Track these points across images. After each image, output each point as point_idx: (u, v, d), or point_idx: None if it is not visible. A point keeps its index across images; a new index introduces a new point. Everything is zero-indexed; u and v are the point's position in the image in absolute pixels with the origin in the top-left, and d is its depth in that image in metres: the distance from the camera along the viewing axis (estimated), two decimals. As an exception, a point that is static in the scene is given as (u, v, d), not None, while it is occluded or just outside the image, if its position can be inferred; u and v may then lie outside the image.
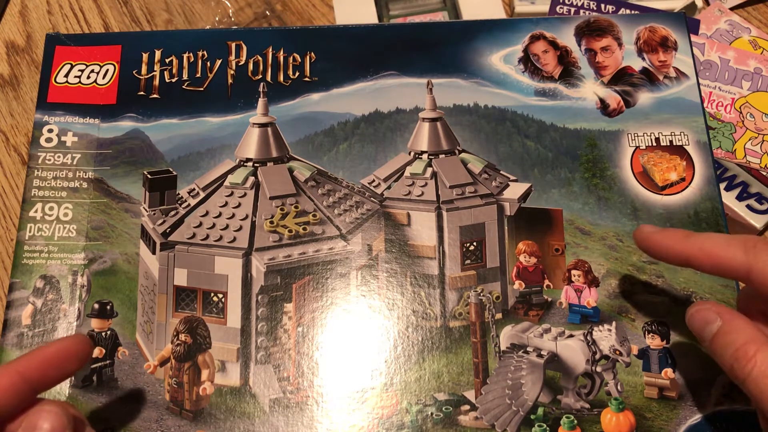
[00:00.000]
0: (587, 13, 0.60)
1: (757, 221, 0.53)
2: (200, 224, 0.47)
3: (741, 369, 0.34)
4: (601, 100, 0.52)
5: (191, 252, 0.47)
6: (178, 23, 0.65)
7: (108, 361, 0.46)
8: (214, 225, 0.47)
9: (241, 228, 0.47)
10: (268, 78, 0.52)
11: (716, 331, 0.36)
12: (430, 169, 0.50)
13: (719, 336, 0.36)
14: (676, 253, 0.39)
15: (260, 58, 0.53)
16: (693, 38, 0.56)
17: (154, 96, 0.52)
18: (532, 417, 0.43)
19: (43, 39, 0.54)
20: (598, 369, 0.44)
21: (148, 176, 0.49)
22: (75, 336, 0.38)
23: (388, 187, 0.49)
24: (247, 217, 0.47)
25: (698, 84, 0.52)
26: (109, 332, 0.46)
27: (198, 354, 0.45)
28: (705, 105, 0.55)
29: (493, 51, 0.53)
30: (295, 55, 0.53)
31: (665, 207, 0.49)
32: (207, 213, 0.48)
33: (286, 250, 0.47)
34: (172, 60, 0.53)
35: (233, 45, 0.53)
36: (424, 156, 0.50)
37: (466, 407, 0.44)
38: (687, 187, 0.49)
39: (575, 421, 0.43)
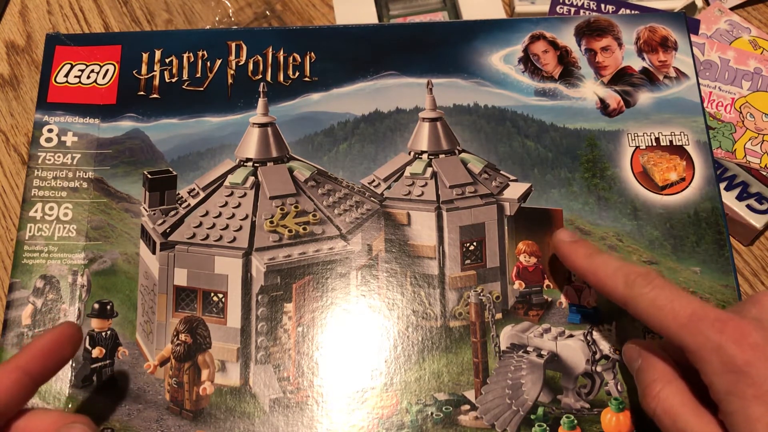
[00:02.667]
0: (587, 13, 0.60)
1: (757, 221, 0.53)
2: (200, 224, 0.47)
3: (648, 405, 0.38)
4: (601, 100, 0.52)
5: (191, 252, 0.47)
6: (178, 23, 0.65)
7: (108, 361, 0.46)
8: (214, 225, 0.47)
9: (241, 228, 0.47)
10: (268, 78, 0.52)
11: (637, 368, 0.40)
12: (430, 169, 0.50)
13: (639, 372, 0.40)
14: (576, 269, 0.42)
15: (260, 58, 0.53)
16: (693, 38, 0.56)
17: (154, 96, 0.52)
18: (532, 417, 0.43)
19: (43, 39, 0.54)
20: (598, 369, 0.44)
21: (148, 176, 0.49)
22: (65, 323, 0.39)
23: (388, 187, 0.49)
24: (247, 217, 0.47)
25: (698, 84, 0.52)
26: (109, 332, 0.46)
27: (198, 354, 0.45)
28: (705, 105, 0.55)
29: (493, 51, 0.53)
30: (295, 55, 0.53)
31: (665, 207, 0.49)
32: (207, 213, 0.48)
33: (286, 250, 0.47)
34: (172, 60, 0.53)
35: (233, 45, 0.53)
36: (424, 156, 0.50)
37: (466, 407, 0.44)
38: (687, 187, 0.49)
39: (575, 421, 0.43)
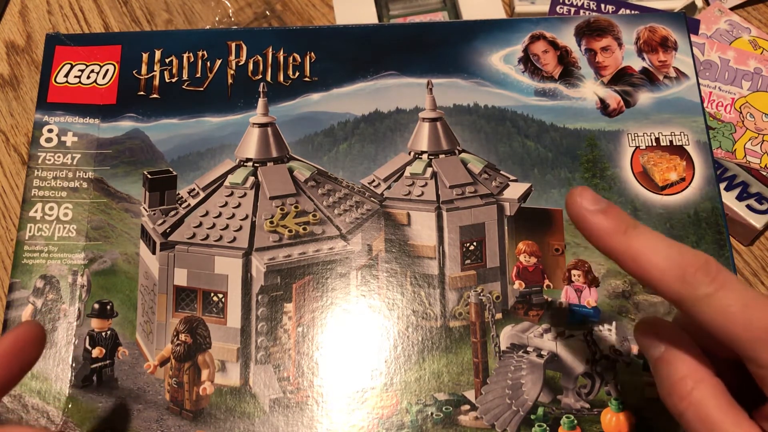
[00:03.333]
0: (587, 13, 0.60)
1: (757, 221, 0.53)
2: (200, 224, 0.47)
3: (675, 406, 0.31)
4: (601, 100, 0.52)
5: (191, 252, 0.47)
6: (178, 23, 0.65)
7: (108, 361, 0.46)
8: (214, 225, 0.47)
9: (241, 228, 0.47)
10: (268, 78, 0.52)
11: (658, 356, 0.33)
12: (430, 169, 0.50)
13: (661, 363, 0.33)
14: (607, 250, 0.32)
15: (260, 58, 0.53)
16: (693, 38, 0.56)
17: (154, 96, 0.52)
18: (532, 417, 0.43)
19: (43, 39, 0.54)
20: (598, 369, 0.44)
21: (148, 176, 0.49)
22: (25, 323, 0.35)
23: (388, 187, 0.49)
24: (247, 217, 0.47)
25: (698, 84, 0.52)
26: (109, 332, 0.46)
27: (198, 354, 0.45)
28: (705, 105, 0.55)
29: (493, 51, 0.53)
30: (295, 55, 0.53)
31: (665, 207, 0.49)
32: (207, 213, 0.48)
33: (286, 250, 0.47)
34: (172, 60, 0.53)
35: (233, 45, 0.53)
36: (424, 156, 0.50)
37: (466, 407, 0.44)
38: (687, 187, 0.49)
39: (575, 421, 0.43)
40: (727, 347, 0.30)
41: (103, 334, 0.46)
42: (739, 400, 0.30)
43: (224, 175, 0.49)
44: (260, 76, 0.52)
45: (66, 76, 0.53)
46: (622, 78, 0.52)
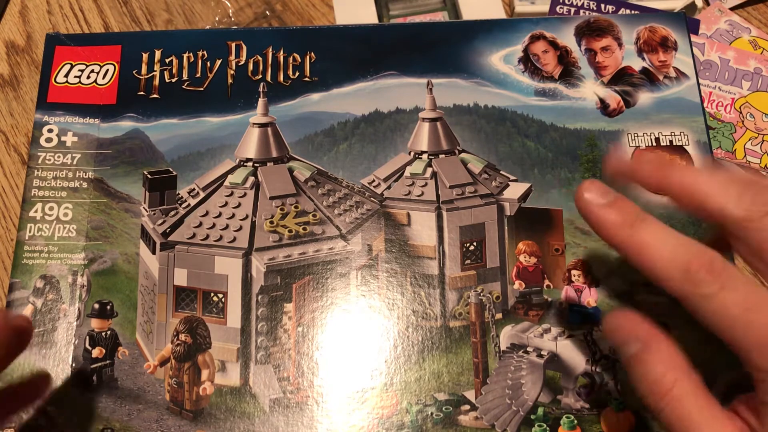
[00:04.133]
0: (587, 13, 0.60)
1: (757, 221, 0.52)
2: (200, 224, 0.47)
3: (655, 404, 0.30)
4: (601, 100, 0.52)
5: (191, 252, 0.47)
6: (178, 23, 0.65)
7: (108, 361, 0.46)
8: (214, 225, 0.47)
9: (241, 228, 0.47)
10: (268, 78, 0.52)
11: (633, 353, 0.31)
12: (430, 169, 0.50)
13: (637, 360, 0.31)
14: (614, 244, 0.32)
15: (260, 58, 0.53)
16: (693, 38, 0.56)
17: (154, 96, 0.52)
18: (532, 417, 0.43)
19: (43, 39, 0.54)
20: (598, 369, 0.44)
21: (148, 176, 0.49)
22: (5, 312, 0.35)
23: (388, 187, 0.49)
24: (247, 217, 0.47)
25: (698, 84, 0.52)
26: (109, 332, 0.46)
27: (198, 354, 0.45)
28: (705, 105, 0.55)
29: (493, 51, 0.53)
30: (295, 55, 0.53)
31: (665, 207, 0.49)
32: (207, 213, 0.48)
33: (286, 250, 0.47)
34: (172, 60, 0.53)
35: (233, 45, 0.53)
36: (424, 156, 0.50)
37: (466, 407, 0.44)
38: (687, 187, 0.49)
39: (575, 421, 0.43)
40: (728, 347, 0.29)
41: (103, 334, 0.46)
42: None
43: (224, 175, 0.49)
44: (260, 76, 0.52)
45: (66, 76, 0.53)
46: (622, 78, 0.52)
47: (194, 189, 0.49)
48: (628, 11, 0.59)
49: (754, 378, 0.29)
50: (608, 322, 0.33)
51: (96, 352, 0.46)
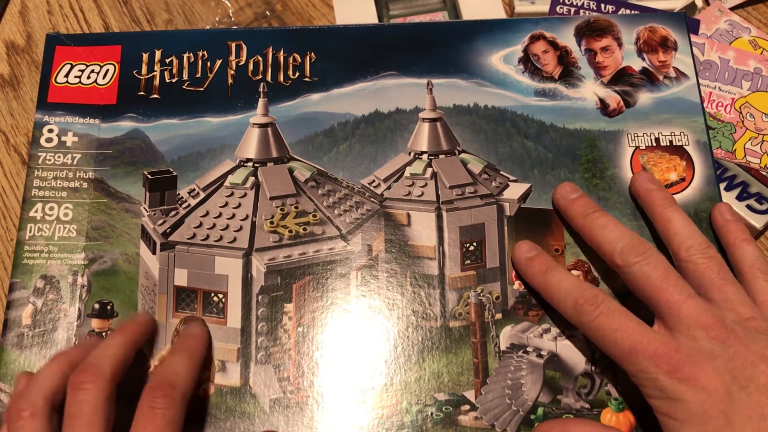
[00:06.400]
0: (587, 13, 0.60)
1: (757, 221, 0.53)
2: (200, 224, 0.47)
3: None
4: (601, 100, 0.52)
5: (191, 252, 0.47)
6: (178, 23, 0.65)
7: (108, 361, 0.46)
8: (214, 225, 0.47)
9: (241, 228, 0.47)
10: (268, 78, 0.52)
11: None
12: (430, 170, 0.50)
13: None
14: (533, 285, 0.45)
15: (260, 58, 0.53)
16: (693, 38, 0.56)
17: (155, 96, 0.52)
18: (532, 417, 0.43)
19: (43, 39, 0.54)
20: (598, 369, 0.44)
21: (148, 176, 0.49)
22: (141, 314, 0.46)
23: (388, 188, 0.49)
24: (247, 217, 0.48)
25: (698, 84, 0.52)
26: (109, 332, 0.46)
27: (198, 354, 0.45)
28: (705, 105, 0.55)
29: (493, 51, 0.53)
30: (295, 55, 0.53)
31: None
32: (207, 213, 0.48)
33: (286, 250, 0.47)
34: (172, 60, 0.53)
35: (233, 45, 0.53)
36: (424, 156, 0.51)
37: (466, 407, 0.44)
38: (687, 187, 0.49)
39: (575, 421, 0.43)
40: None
41: (104, 334, 0.46)
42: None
43: (224, 176, 0.49)
44: (260, 77, 0.52)
45: (66, 76, 0.53)
46: (622, 78, 0.52)
47: (194, 189, 0.49)
48: (628, 11, 0.59)
49: (635, 383, 0.39)
50: None
51: (96, 352, 0.46)
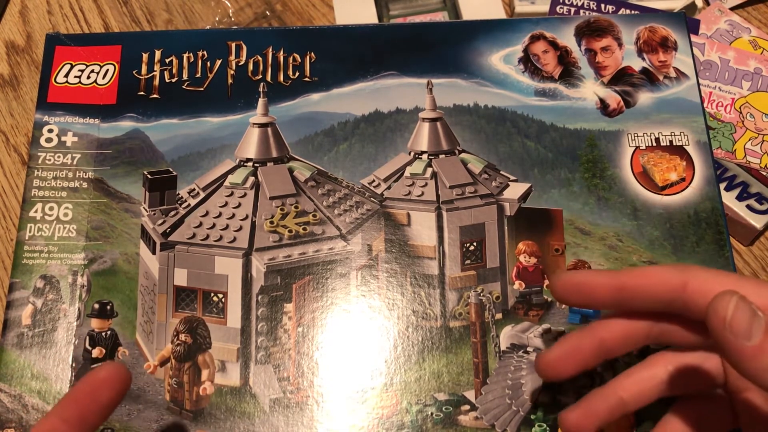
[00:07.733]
0: (587, 13, 0.60)
1: (757, 221, 0.53)
2: (200, 224, 0.47)
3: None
4: (601, 100, 0.52)
5: (191, 252, 0.47)
6: (178, 23, 0.65)
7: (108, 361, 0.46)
8: (214, 225, 0.47)
9: (241, 228, 0.47)
10: (268, 78, 0.52)
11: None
12: (430, 169, 0.50)
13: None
14: (607, 288, 0.34)
15: (260, 58, 0.53)
16: (693, 38, 0.56)
17: (154, 96, 0.52)
18: (532, 417, 0.43)
19: (43, 39, 0.54)
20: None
21: (148, 176, 0.49)
22: (104, 364, 0.35)
23: (388, 187, 0.49)
24: (247, 217, 0.47)
25: (698, 84, 0.52)
26: (109, 332, 0.46)
27: (198, 354, 0.45)
28: (705, 105, 0.55)
29: (493, 51, 0.53)
30: (295, 55, 0.53)
31: (665, 207, 0.49)
32: (207, 213, 0.48)
33: (286, 250, 0.47)
34: (172, 60, 0.53)
35: (233, 45, 0.53)
36: (424, 156, 0.50)
37: (466, 407, 0.44)
38: (687, 187, 0.49)
39: (575, 421, 0.43)
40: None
41: (103, 334, 0.46)
42: None
43: (224, 175, 0.49)
44: (260, 76, 0.52)
45: (66, 76, 0.53)
46: (622, 78, 0.52)
47: (194, 189, 0.49)
48: (628, 11, 0.59)
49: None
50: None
51: (96, 352, 0.46)
